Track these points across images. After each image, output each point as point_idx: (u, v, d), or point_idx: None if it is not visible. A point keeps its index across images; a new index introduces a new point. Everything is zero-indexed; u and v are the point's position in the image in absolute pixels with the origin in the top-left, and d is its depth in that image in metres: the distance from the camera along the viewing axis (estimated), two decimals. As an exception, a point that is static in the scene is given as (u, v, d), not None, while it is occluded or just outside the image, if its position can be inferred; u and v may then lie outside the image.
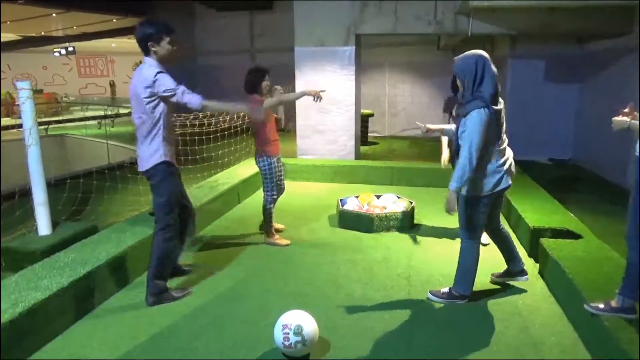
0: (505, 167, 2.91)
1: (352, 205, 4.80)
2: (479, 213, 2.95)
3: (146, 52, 2.90)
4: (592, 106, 8.09)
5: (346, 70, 7.56)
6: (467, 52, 2.89)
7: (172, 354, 2.54)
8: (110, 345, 2.62)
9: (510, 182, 2.96)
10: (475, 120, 2.75)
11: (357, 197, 5.01)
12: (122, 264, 3.30)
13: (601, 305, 2.52)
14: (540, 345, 2.62)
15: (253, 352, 2.55)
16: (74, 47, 21.02)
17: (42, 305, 2.57)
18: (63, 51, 21.04)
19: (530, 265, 3.72)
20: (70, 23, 15.74)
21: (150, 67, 2.86)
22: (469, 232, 3.02)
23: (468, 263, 3.06)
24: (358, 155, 8.16)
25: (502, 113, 2.91)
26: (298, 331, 2.39)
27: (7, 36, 19.49)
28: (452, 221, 4.29)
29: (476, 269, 3.07)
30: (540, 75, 8.82)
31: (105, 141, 9.78)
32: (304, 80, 7.64)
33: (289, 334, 2.39)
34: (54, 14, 13.21)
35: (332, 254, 3.96)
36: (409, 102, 12.05)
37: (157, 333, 2.74)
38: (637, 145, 2.39)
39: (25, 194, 4.07)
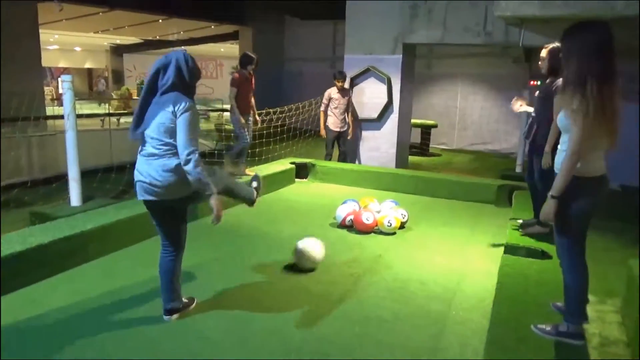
0: None
1: (350, 207, 4.94)
2: None
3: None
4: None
5: (392, 79, 7.63)
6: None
7: None
8: None
9: None
10: None
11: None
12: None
13: (548, 328, 2.47)
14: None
15: None
16: (185, 50, 23.13)
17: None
18: (176, 54, 23.26)
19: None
20: (177, 29, 17.50)
21: None
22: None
23: None
24: (403, 165, 8.17)
25: None
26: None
27: (131, 39, 22.19)
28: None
29: None
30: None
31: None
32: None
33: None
34: (160, 20, 14.84)
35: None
36: (480, 115, 11.63)
37: None
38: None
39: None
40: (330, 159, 7.35)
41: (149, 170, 2.59)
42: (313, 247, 3.62)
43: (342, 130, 7.33)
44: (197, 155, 2.54)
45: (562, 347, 2.32)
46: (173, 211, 2.75)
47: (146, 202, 2.69)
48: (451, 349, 2.64)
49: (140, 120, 2.63)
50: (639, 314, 2.38)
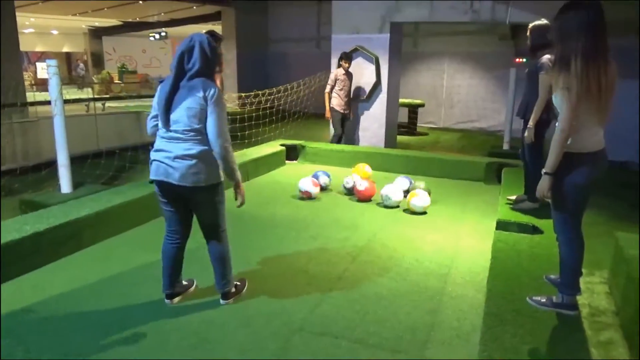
0: None
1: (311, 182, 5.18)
2: None
3: None
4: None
5: (380, 58, 7.61)
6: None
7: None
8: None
9: None
10: None
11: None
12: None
13: (543, 299, 2.54)
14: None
15: (174, 302, 2.90)
16: (166, 32, 22.72)
17: (16, 243, 3.12)
18: (157, 36, 22.85)
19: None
20: (158, 10, 17.11)
21: None
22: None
23: None
24: (392, 144, 8.21)
25: None
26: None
27: (110, 21, 21.65)
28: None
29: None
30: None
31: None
32: (338, 68, 7.82)
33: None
34: (140, 1, 14.49)
35: (298, 230, 4.18)
36: (467, 94, 11.69)
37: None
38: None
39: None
40: (337, 141, 7.41)
41: (169, 152, 2.57)
42: (392, 191, 4.72)
43: (345, 112, 7.42)
44: (230, 144, 2.59)
45: (557, 317, 2.41)
46: (184, 200, 2.71)
47: (159, 183, 2.65)
48: (449, 323, 2.72)
49: (170, 104, 2.56)
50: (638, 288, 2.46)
